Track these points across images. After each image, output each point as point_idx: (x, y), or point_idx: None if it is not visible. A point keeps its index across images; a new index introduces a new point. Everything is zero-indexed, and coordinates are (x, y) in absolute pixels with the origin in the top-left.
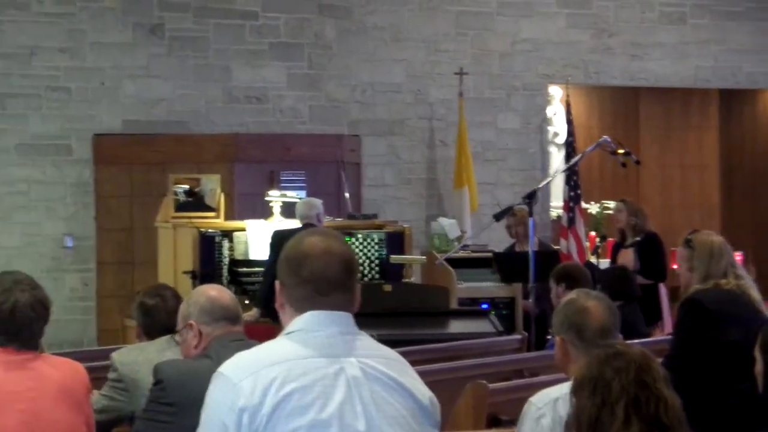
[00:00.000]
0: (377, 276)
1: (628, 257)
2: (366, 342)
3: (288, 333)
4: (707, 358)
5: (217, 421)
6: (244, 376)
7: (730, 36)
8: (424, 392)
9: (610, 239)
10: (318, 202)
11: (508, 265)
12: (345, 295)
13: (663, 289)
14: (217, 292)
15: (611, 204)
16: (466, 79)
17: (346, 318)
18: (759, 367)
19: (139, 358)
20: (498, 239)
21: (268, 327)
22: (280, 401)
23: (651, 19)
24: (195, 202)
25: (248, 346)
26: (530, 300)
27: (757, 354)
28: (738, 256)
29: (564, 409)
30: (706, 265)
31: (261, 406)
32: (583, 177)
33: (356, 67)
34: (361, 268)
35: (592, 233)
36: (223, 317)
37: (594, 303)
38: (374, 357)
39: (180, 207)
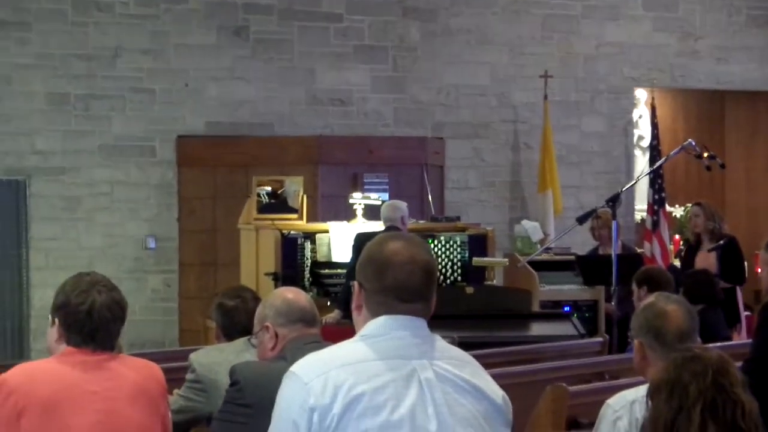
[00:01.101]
0: (459, 278)
1: (708, 261)
2: (438, 344)
3: (362, 336)
4: None
5: (288, 420)
6: (315, 376)
7: None
8: (496, 391)
9: (681, 242)
10: (402, 204)
11: (590, 267)
12: (423, 303)
13: (740, 293)
14: (293, 295)
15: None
16: (551, 82)
17: (420, 323)
18: None
19: (218, 359)
20: (581, 242)
21: (349, 329)
22: (350, 402)
23: (738, 22)
24: (278, 204)
25: (322, 348)
26: (613, 303)
27: None
28: None
29: (640, 412)
30: None
31: (332, 406)
32: (668, 180)
33: (440, 70)
34: (443, 270)
35: (677, 236)
36: (299, 319)
37: (673, 307)
38: (446, 359)
39: (263, 209)
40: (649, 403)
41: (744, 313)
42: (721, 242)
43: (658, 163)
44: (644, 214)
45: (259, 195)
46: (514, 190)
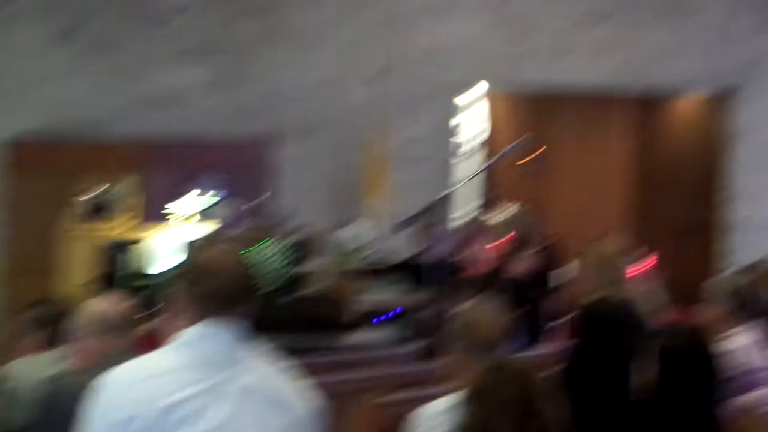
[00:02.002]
0: (284, 284)
1: (528, 265)
2: (254, 353)
3: (178, 343)
4: (600, 367)
5: None
6: (125, 387)
7: (648, 41)
8: (308, 401)
9: (502, 244)
10: (236, 205)
11: (415, 273)
12: (242, 308)
13: (553, 298)
14: (104, 305)
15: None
16: (384, 82)
17: (237, 329)
18: (647, 375)
19: (28, 369)
20: (407, 247)
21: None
22: (162, 412)
23: (571, 23)
24: (104, 209)
25: (134, 358)
26: (433, 309)
27: (644, 362)
28: (649, 261)
29: (450, 422)
30: (599, 275)
31: (142, 417)
32: (494, 183)
33: (275, 70)
34: (267, 276)
35: (502, 240)
36: (111, 329)
37: (486, 314)
38: (261, 368)
39: (87, 215)
40: (460, 411)
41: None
42: (543, 246)
43: (484, 166)
44: (469, 217)
45: (85, 201)
46: (342, 194)
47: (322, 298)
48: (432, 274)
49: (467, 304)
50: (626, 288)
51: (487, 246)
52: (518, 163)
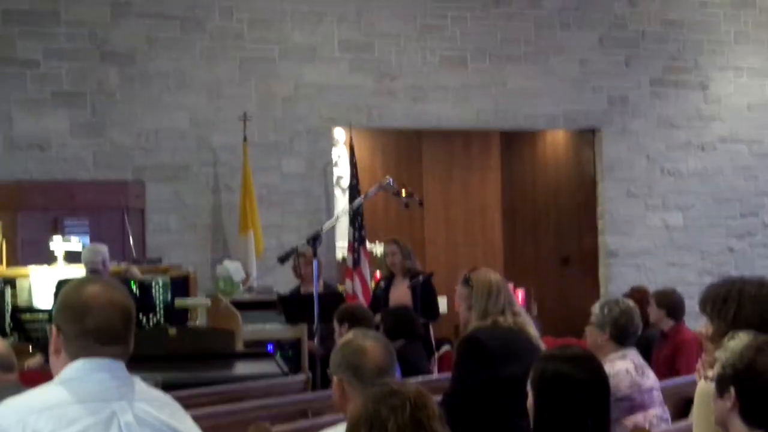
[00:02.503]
0: (162, 320)
1: (404, 296)
2: (138, 386)
3: (61, 379)
4: (486, 395)
5: None
6: (13, 422)
7: (510, 79)
8: None
9: (381, 278)
10: (103, 248)
11: (293, 306)
12: (122, 345)
13: (432, 329)
14: None
15: (392, 246)
16: (250, 124)
17: (119, 365)
18: (530, 400)
19: None
20: (284, 281)
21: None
22: None
23: (432, 63)
24: None
25: (19, 393)
26: (315, 341)
27: (529, 389)
28: (520, 293)
29: None
30: (485, 302)
31: None
32: (368, 218)
33: (140, 114)
34: (145, 312)
35: (377, 273)
36: None
37: (371, 343)
38: (146, 401)
39: None
40: None
41: (443, 349)
42: (420, 278)
43: (356, 202)
44: (345, 251)
45: None
46: (216, 232)
47: (210, 330)
48: (314, 305)
49: (352, 334)
50: (516, 312)
51: (367, 278)
52: (396, 195)
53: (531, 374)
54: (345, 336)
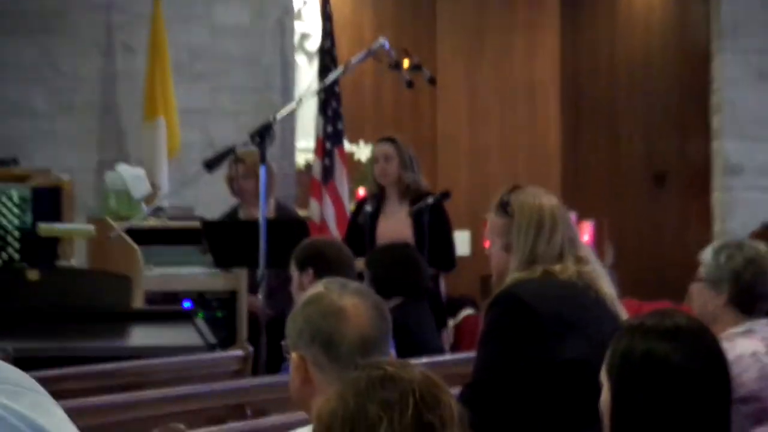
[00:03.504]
0: (18, 256)
1: (400, 231)
2: None
3: None
4: (532, 387)
5: None
6: None
7: None
8: None
9: (367, 194)
10: None
11: (226, 240)
12: None
13: (443, 284)
14: None
15: (385, 146)
16: None
17: None
18: (605, 396)
19: None
20: (213, 200)
21: None
22: None
23: None
24: None
25: None
26: (260, 296)
27: (604, 378)
28: (587, 228)
29: None
30: (531, 241)
31: None
32: (349, 104)
33: None
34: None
35: (360, 191)
36: None
37: (353, 301)
38: None
39: None
40: None
41: (463, 313)
42: (427, 201)
43: (332, 76)
44: (310, 156)
45: None
46: (106, 119)
47: (92, 274)
48: (260, 239)
49: (323, 287)
50: (582, 258)
51: (344, 197)
52: (394, 68)
53: (607, 357)
54: (310, 289)
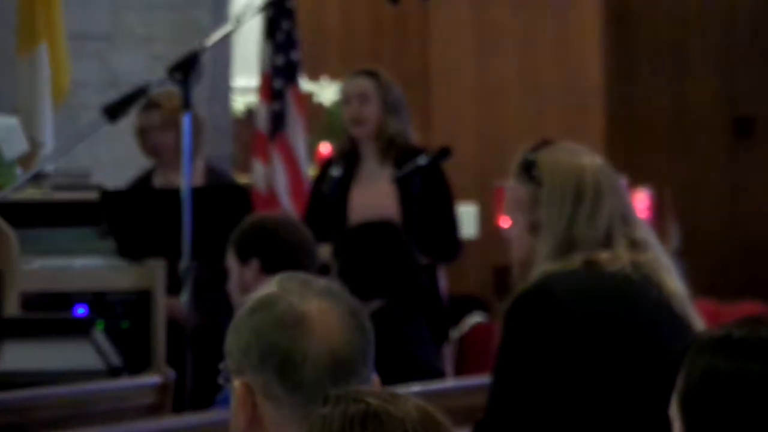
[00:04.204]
0: None
1: (381, 203)
2: None
3: None
4: (568, 424)
5: None
6: None
7: None
8: None
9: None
10: None
11: (135, 219)
12: None
13: (442, 278)
14: None
15: (361, 81)
16: None
17: None
18: None
19: None
20: (115, 161)
21: None
22: None
23: None
24: None
25: None
26: (183, 298)
27: (675, 412)
28: (642, 199)
29: None
30: (567, 218)
31: None
32: (308, 26)
33: None
34: None
35: (323, 146)
36: None
37: (319, 305)
38: None
39: None
40: None
41: (470, 321)
42: (419, 163)
43: None
44: (253, 99)
45: None
46: None
47: None
48: (183, 217)
49: (276, 284)
50: (638, 242)
51: (302, 156)
52: None
53: (678, 382)
54: (259, 289)
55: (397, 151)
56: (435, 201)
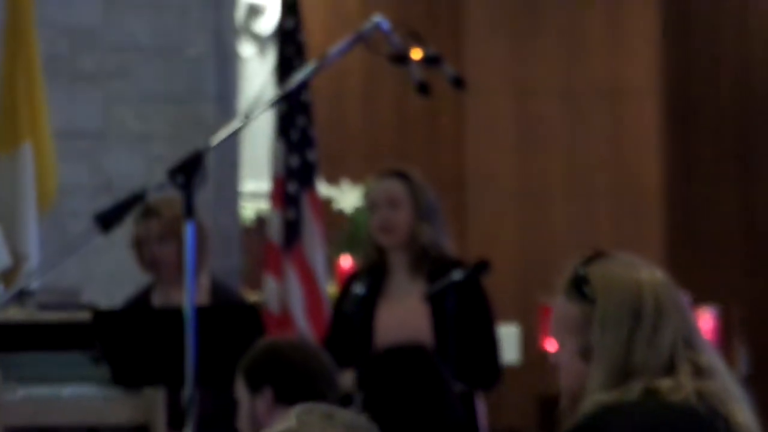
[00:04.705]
0: None
1: (414, 323)
2: None
3: None
4: None
5: None
6: None
7: None
8: None
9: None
10: None
11: (132, 342)
12: None
13: (481, 408)
14: None
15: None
16: None
17: None
18: None
19: None
20: (109, 276)
21: None
22: None
23: None
24: None
25: None
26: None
27: None
28: (704, 320)
29: None
30: (625, 342)
31: None
32: (327, 123)
33: None
34: None
35: (344, 260)
36: None
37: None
38: None
39: None
40: None
41: None
42: (453, 278)
43: (299, 76)
44: (264, 206)
45: None
46: None
47: None
48: (186, 340)
49: (295, 418)
50: (703, 368)
51: (320, 271)
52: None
53: None
54: (271, 421)
55: (430, 264)
56: (473, 320)
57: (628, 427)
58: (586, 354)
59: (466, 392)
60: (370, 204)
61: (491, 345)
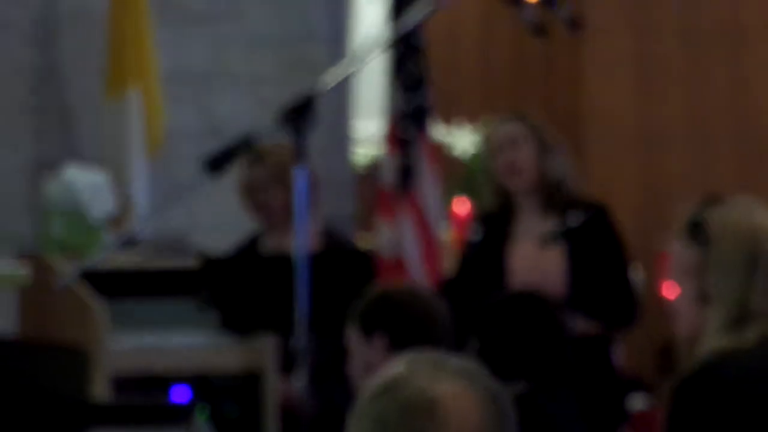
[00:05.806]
0: None
1: (543, 267)
2: None
3: None
4: None
5: None
6: None
7: None
8: None
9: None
10: None
11: (241, 289)
12: None
13: (617, 350)
14: None
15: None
16: None
17: None
18: None
19: None
20: (218, 222)
21: None
22: None
23: None
24: None
25: None
26: (299, 380)
27: None
28: None
29: None
30: (742, 286)
31: None
32: (442, 67)
33: None
34: None
35: (459, 203)
36: None
37: (454, 389)
38: None
39: None
40: None
41: (633, 404)
42: (568, 226)
43: (414, 16)
44: (377, 150)
45: None
46: (42, 92)
47: (25, 346)
48: (297, 286)
49: (404, 366)
50: None
51: (435, 216)
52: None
53: None
54: (384, 369)
55: (560, 202)
56: (607, 256)
57: (744, 374)
58: (703, 298)
59: (600, 336)
60: (492, 149)
61: (624, 281)
